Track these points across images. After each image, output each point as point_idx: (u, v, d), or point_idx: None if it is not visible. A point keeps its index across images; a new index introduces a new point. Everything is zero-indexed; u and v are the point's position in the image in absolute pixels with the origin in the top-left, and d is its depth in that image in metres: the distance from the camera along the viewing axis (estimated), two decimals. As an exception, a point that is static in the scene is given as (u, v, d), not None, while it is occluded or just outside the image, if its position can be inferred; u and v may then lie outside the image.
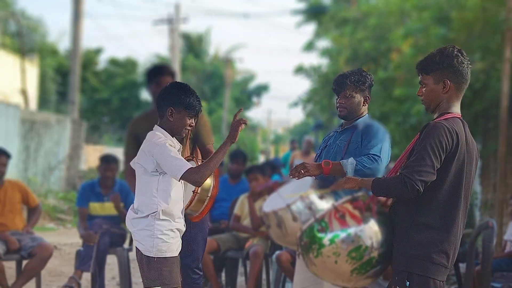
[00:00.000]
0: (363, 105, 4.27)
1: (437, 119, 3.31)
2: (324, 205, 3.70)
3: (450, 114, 3.33)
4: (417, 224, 3.25)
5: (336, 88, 4.27)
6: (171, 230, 3.74)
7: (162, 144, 3.70)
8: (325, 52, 18.60)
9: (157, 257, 3.70)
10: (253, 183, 6.83)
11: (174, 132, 3.85)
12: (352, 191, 3.47)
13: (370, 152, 4.01)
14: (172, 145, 3.77)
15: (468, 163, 3.29)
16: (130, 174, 4.30)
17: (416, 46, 12.46)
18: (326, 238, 3.26)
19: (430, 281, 3.22)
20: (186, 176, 3.63)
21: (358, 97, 4.24)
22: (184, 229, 3.89)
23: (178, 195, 3.81)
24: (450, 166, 3.22)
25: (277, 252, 6.21)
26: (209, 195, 4.20)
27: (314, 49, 19.88)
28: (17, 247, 6.20)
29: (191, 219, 4.26)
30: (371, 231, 3.27)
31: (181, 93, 3.83)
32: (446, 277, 3.30)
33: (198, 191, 4.06)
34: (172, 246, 3.75)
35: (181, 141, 4.57)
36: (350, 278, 3.29)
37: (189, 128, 3.88)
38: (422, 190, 3.15)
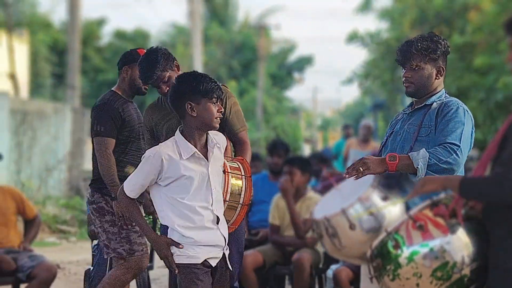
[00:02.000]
0: (436, 78, 4.21)
1: None
2: (391, 209, 3.65)
3: None
4: None
5: (401, 59, 4.23)
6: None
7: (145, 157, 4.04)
8: (385, 14, 18.48)
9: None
10: (286, 177, 6.77)
11: (204, 128, 4.02)
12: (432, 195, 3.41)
13: (447, 141, 3.95)
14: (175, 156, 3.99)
15: None
16: None
17: (499, 2, 12.30)
18: (403, 255, 3.22)
19: None
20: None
21: (429, 69, 4.18)
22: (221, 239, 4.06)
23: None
24: None
25: (334, 267, 6.19)
26: (241, 202, 4.21)
27: (371, 10, 19.71)
28: (13, 267, 6.28)
29: None
30: (459, 242, 3.22)
31: (192, 82, 4.00)
32: None
33: (227, 199, 4.08)
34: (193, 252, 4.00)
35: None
36: None
37: (218, 116, 4.00)
38: None
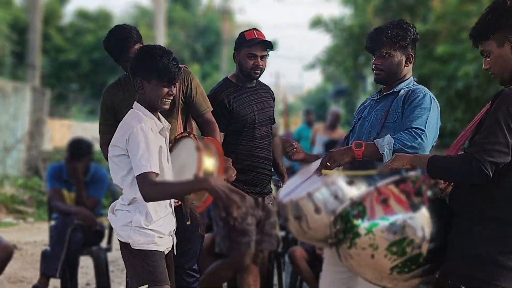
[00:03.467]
0: (405, 65, 4.24)
1: None
2: (355, 192, 3.67)
3: None
4: (484, 216, 3.23)
5: (371, 46, 4.26)
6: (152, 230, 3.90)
7: (134, 132, 3.80)
8: (349, 0, 18.51)
9: (137, 249, 3.86)
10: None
11: (151, 107, 3.94)
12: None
13: (412, 126, 3.98)
14: (154, 129, 3.87)
15: None
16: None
17: (463, -9, 12.39)
18: (363, 226, 3.26)
19: (492, 287, 3.20)
20: (140, 180, 3.74)
21: (399, 56, 4.21)
22: (173, 225, 4.03)
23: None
24: None
25: (291, 249, 6.23)
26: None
27: (335, -4, 19.74)
28: (-32, 247, 6.21)
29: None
30: (421, 220, 3.26)
31: (148, 58, 3.90)
32: None
33: (201, 175, 4.07)
34: (155, 240, 3.89)
35: (171, 115, 4.57)
36: (390, 276, 3.30)
37: (167, 98, 3.93)
38: (491, 175, 3.13)
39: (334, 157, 3.89)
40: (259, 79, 5.29)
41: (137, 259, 3.87)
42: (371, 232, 3.24)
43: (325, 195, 3.58)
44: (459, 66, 11.89)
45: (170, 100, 3.97)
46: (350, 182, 3.61)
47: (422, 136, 3.95)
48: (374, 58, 4.24)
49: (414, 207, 3.27)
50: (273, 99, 5.40)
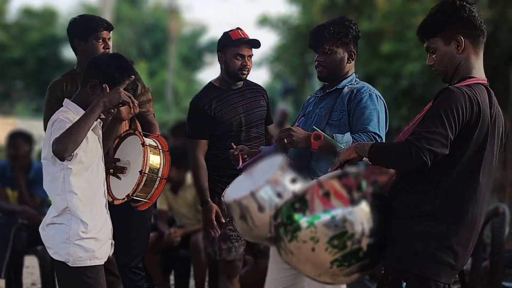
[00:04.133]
0: (347, 62, 4.29)
1: (457, 84, 3.33)
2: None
3: (472, 79, 3.36)
4: (420, 212, 3.28)
5: (313, 43, 4.29)
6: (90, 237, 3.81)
7: (58, 119, 3.76)
8: (295, -1, 18.58)
9: (76, 266, 3.78)
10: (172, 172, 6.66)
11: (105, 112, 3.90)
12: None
13: (370, 130, 4.05)
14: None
15: (491, 140, 3.31)
16: None
17: (408, -10, 12.53)
18: (304, 219, 3.25)
19: (431, 283, 3.25)
20: (53, 150, 3.69)
21: (341, 53, 4.25)
22: (110, 226, 3.97)
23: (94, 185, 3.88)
24: (467, 142, 3.24)
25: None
26: (160, 175, 4.18)
27: (282, -6, 19.75)
28: None
29: (137, 207, 4.24)
30: (361, 215, 3.27)
31: (118, 69, 3.91)
32: (453, 279, 3.34)
33: (147, 171, 4.05)
34: (96, 253, 3.83)
35: None
36: (329, 270, 3.30)
37: (108, 113, 3.92)
38: (429, 163, 3.17)
39: (293, 137, 3.98)
40: (248, 78, 5.15)
41: (76, 276, 3.80)
42: (312, 225, 3.24)
43: (268, 194, 3.62)
44: (404, 64, 12.03)
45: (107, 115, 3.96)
46: (293, 180, 3.66)
47: (378, 140, 4.03)
48: (317, 55, 4.28)
49: (354, 202, 3.28)
50: (265, 98, 5.24)
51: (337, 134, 4.00)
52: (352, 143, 3.92)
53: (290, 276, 4.14)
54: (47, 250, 3.91)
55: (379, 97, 4.22)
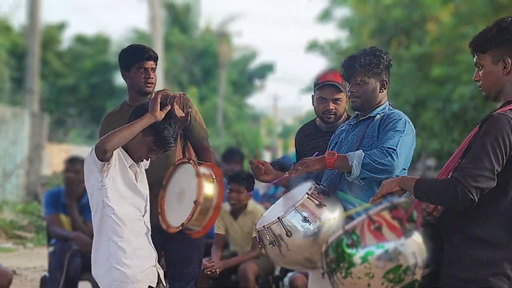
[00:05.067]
0: (380, 91, 4.28)
1: (501, 109, 3.30)
2: (327, 214, 3.77)
3: None
4: (471, 239, 3.25)
5: (345, 75, 4.30)
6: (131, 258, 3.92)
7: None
8: (344, 23, 18.60)
9: None
10: (233, 195, 6.67)
11: (129, 153, 4.05)
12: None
13: (385, 145, 4.03)
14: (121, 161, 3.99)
15: None
16: None
17: (457, 14, 12.46)
18: (358, 255, 3.23)
19: None
20: (95, 149, 3.87)
21: (373, 83, 4.24)
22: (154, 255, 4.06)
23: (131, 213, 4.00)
24: None
25: (290, 274, 6.22)
26: (214, 204, 4.22)
27: (331, 19, 19.85)
28: (-33, 274, 6.22)
29: (191, 235, 4.29)
30: (414, 247, 3.24)
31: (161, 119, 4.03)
32: None
33: (201, 201, 4.09)
34: (138, 277, 3.91)
35: None
36: None
37: (147, 160, 4.07)
38: (476, 200, 3.16)
39: (306, 162, 3.98)
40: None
41: None
42: (366, 261, 3.21)
43: (295, 219, 3.72)
44: (454, 88, 11.94)
45: (144, 160, 4.10)
46: (320, 205, 3.72)
47: (393, 155, 3.98)
48: (350, 86, 4.29)
49: (407, 233, 3.26)
50: None
51: (349, 152, 4.02)
52: (363, 158, 3.94)
53: None
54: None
55: (408, 122, 4.20)
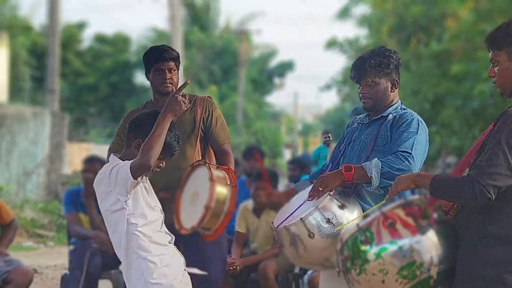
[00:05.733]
0: (391, 91, 4.28)
1: None
2: (348, 216, 3.77)
3: None
4: (488, 236, 3.24)
5: (356, 76, 4.30)
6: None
7: (118, 166, 3.88)
8: (363, 21, 18.57)
9: None
10: (260, 192, 6.69)
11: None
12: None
13: (400, 149, 4.03)
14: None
15: None
16: None
17: (477, 11, 12.41)
18: (372, 251, 3.26)
19: None
20: (134, 166, 3.79)
21: (384, 83, 4.24)
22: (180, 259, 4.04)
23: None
24: None
25: (310, 273, 6.24)
26: (225, 209, 4.24)
27: (350, 17, 19.83)
28: (-11, 272, 6.27)
29: (203, 236, 4.31)
30: (429, 243, 3.26)
31: (140, 123, 4.02)
32: None
33: (212, 206, 4.12)
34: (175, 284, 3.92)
35: (188, 141, 4.65)
36: None
37: (157, 169, 3.98)
38: (493, 198, 3.16)
39: (325, 181, 3.94)
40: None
41: None
42: (380, 257, 3.24)
43: (317, 220, 3.71)
44: (474, 85, 11.89)
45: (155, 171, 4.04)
46: (342, 206, 3.74)
47: (409, 159, 3.99)
48: (360, 87, 4.29)
49: (422, 230, 3.27)
50: None
51: (365, 163, 4.00)
52: (380, 167, 3.91)
53: None
54: None
55: (421, 121, 4.19)
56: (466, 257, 3.29)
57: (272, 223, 4.01)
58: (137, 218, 3.88)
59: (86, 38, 35.96)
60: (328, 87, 21.26)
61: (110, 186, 3.87)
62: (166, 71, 4.72)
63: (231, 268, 6.42)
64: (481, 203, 3.18)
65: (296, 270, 6.93)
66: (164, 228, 4.03)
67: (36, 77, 28.35)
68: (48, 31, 20.56)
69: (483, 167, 3.17)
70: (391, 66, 4.24)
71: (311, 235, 3.69)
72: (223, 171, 4.41)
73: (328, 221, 3.69)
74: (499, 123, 3.23)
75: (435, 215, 3.33)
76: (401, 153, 3.99)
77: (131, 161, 3.82)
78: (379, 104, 4.27)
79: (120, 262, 6.87)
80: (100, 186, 3.96)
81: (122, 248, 3.94)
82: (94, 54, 34.63)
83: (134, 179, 3.80)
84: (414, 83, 13.61)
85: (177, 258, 4.03)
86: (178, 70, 4.83)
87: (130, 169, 3.78)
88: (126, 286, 4.00)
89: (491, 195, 3.14)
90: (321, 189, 3.91)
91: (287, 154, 39.97)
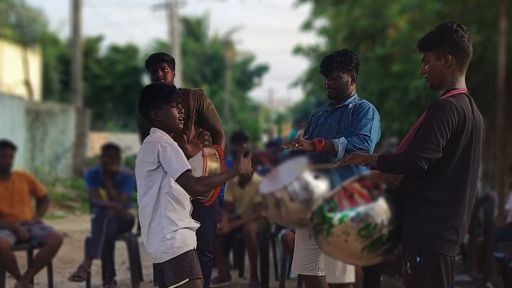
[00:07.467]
0: (351, 84, 4.29)
1: (444, 96, 3.30)
2: (320, 185, 3.76)
3: (456, 90, 3.33)
4: (426, 201, 3.25)
5: (324, 70, 4.29)
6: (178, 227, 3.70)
7: (163, 142, 3.68)
8: (322, 31, 18.51)
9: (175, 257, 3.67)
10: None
11: (170, 129, 3.81)
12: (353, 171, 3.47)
13: (361, 133, 4.05)
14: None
15: (476, 138, 3.28)
16: None
17: (412, 22, 12.43)
18: (336, 218, 3.26)
19: (440, 257, 3.22)
20: (183, 180, 3.60)
21: (346, 77, 4.26)
22: (196, 225, 3.87)
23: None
24: (457, 143, 3.22)
25: (283, 232, 6.25)
26: None
27: (312, 28, 19.71)
28: (27, 237, 6.23)
29: (203, 203, 4.28)
30: (380, 209, 3.26)
31: (151, 92, 3.83)
32: (456, 252, 3.30)
33: (206, 175, 4.08)
34: (187, 241, 3.73)
35: (186, 126, 4.59)
36: (361, 256, 3.30)
37: (181, 118, 3.84)
38: (425, 167, 3.16)
39: (301, 142, 3.95)
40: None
41: (175, 263, 3.68)
42: (343, 222, 3.24)
43: (296, 187, 3.68)
44: (410, 81, 11.91)
45: (183, 120, 3.87)
46: (316, 177, 3.74)
47: (368, 141, 4.03)
48: (327, 80, 4.28)
49: (374, 199, 3.27)
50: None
51: (335, 139, 4.01)
52: (346, 144, 3.94)
53: (313, 254, 4.19)
54: (153, 258, 3.81)
55: (375, 110, 4.23)
56: (410, 218, 3.29)
57: (258, 189, 4.00)
58: (169, 184, 3.68)
59: (103, 48, 35.69)
60: (295, 84, 21.17)
61: (155, 163, 3.66)
62: (159, 70, 4.72)
63: (220, 231, 6.43)
64: (416, 172, 3.18)
65: (272, 230, 6.94)
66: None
67: (63, 80, 28.10)
68: (72, 43, 20.37)
69: (417, 143, 3.18)
70: (352, 64, 4.26)
71: (292, 198, 3.68)
72: (214, 149, 4.38)
73: (305, 188, 3.69)
74: (431, 110, 3.23)
75: (384, 186, 3.32)
76: (363, 136, 4.02)
77: (186, 169, 3.59)
78: (341, 94, 4.27)
79: (132, 227, 6.92)
80: (145, 156, 3.71)
81: (149, 208, 3.69)
82: (110, 61, 34.34)
83: (175, 180, 3.63)
84: (363, 80, 13.63)
85: (192, 221, 3.85)
86: (171, 70, 4.80)
87: (181, 175, 3.58)
88: (144, 241, 3.80)
89: (423, 165, 3.14)
90: (296, 146, 3.92)
91: (264, 138, 39.97)
